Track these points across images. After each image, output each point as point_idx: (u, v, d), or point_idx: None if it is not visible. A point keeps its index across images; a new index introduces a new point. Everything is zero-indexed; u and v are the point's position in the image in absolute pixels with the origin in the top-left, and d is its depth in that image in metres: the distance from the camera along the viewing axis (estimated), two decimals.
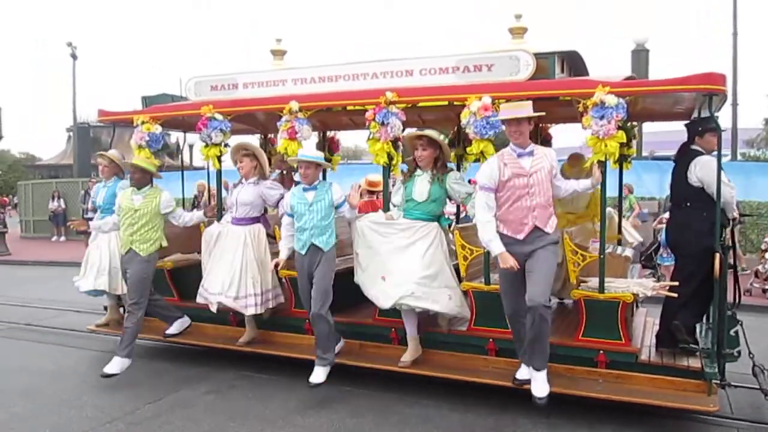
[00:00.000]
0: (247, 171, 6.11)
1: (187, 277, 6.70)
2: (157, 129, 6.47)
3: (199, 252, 6.75)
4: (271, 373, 6.05)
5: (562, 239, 5.07)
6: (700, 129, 5.13)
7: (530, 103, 4.63)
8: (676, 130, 6.14)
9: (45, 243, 20.79)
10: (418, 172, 5.36)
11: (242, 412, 5.15)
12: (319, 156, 5.53)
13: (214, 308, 5.96)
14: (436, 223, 5.34)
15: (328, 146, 7.82)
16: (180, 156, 8.83)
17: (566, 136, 8.60)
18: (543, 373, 4.64)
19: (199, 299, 6.06)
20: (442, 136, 5.55)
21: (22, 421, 5.01)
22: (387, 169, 5.58)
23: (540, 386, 4.60)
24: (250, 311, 5.86)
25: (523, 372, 4.83)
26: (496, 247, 4.54)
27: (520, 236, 4.57)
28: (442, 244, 5.30)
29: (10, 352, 7.21)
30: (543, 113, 4.87)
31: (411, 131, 5.47)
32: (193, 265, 6.69)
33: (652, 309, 6.22)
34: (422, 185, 5.32)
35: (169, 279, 6.71)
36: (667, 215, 9.71)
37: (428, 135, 5.35)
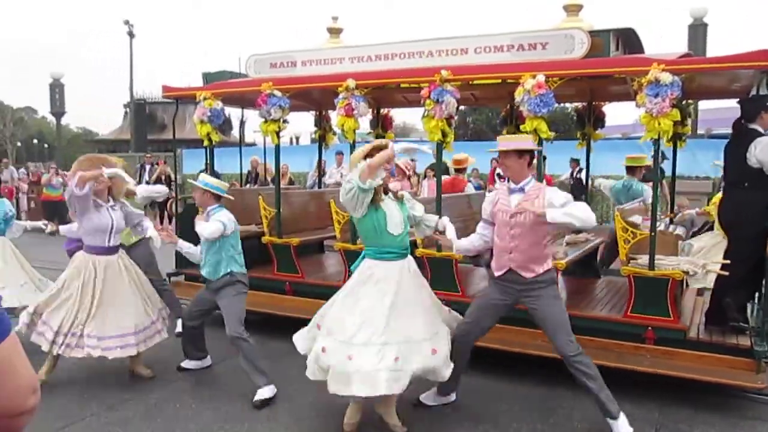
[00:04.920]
0: (103, 190, 5.32)
1: (246, 248, 7.00)
2: (218, 105, 6.73)
3: (257, 224, 7.05)
4: None
5: (614, 217, 5.13)
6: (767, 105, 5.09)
7: (525, 137, 4.53)
8: (734, 107, 6.08)
9: None
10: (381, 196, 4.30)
11: (298, 377, 5.40)
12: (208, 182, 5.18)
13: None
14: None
15: (382, 123, 7.98)
16: (240, 132, 9.12)
17: (616, 114, 8.53)
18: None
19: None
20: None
21: (96, 377, 5.39)
22: (440, 146, 5.71)
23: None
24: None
25: (431, 397, 4.78)
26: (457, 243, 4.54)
27: (497, 274, 4.36)
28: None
29: None
30: (539, 148, 4.76)
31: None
32: (251, 236, 7.01)
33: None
34: (394, 211, 4.33)
35: None
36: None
37: None
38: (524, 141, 4.38)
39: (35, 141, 56.16)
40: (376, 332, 4.03)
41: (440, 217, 4.74)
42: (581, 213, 4.07)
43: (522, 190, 4.25)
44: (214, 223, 4.97)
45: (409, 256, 4.37)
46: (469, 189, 8.43)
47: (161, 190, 7.10)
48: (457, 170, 8.67)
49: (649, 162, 6.88)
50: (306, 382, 5.24)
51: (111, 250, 5.27)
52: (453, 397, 4.83)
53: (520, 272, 4.25)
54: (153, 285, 6.74)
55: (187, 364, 5.58)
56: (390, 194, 4.33)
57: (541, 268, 4.24)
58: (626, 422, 4.16)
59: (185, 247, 5.24)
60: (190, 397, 5.00)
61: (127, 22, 25.78)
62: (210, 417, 4.64)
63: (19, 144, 50.03)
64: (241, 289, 5.17)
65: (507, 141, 4.37)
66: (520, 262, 4.23)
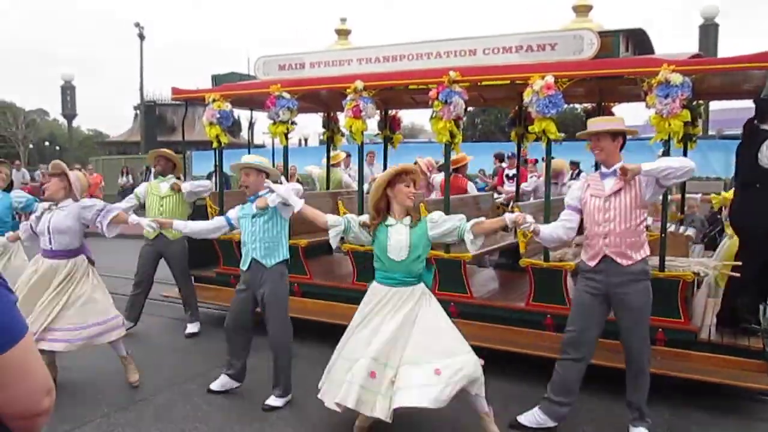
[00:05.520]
0: (54, 191, 5.13)
1: None
2: (228, 107, 6.75)
3: None
4: (332, 343, 6.27)
5: None
6: None
7: (618, 119, 4.38)
8: (744, 108, 6.03)
9: None
10: (390, 220, 4.16)
11: (309, 377, 5.40)
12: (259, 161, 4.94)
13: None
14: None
15: (390, 125, 7.98)
16: (249, 133, 9.16)
17: (626, 114, 8.48)
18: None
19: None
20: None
21: (106, 379, 5.41)
22: (448, 148, 5.69)
23: None
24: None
25: (532, 419, 4.45)
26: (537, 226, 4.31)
27: (591, 263, 4.21)
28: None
29: None
30: (634, 131, 4.68)
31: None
32: None
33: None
34: (400, 236, 4.10)
35: (236, 249, 7.03)
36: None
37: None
38: (617, 123, 4.30)
39: (47, 143, 56.57)
40: (353, 348, 4.14)
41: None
42: (674, 159, 4.14)
43: (615, 173, 4.15)
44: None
45: (419, 285, 4.14)
46: (471, 189, 8.37)
47: (205, 184, 6.99)
48: (455, 170, 8.60)
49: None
50: (313, 383, 5.26)
51: (54, 254, 5.03)
52: (551, 422, 4.41)
53: (616, 258, 4.10)
54: (178, 285, 6.94)
55: (217, 385, 5.19)
56: (406, 217, 4.16)
57: (638, 254, 4.10)
58: None
59: (181, 226, 5.25)
60: (201, 399, 5.01)
61: (137, 24, 25.91)
62: (220, 418, 4.65)
63: (31, 146, 50.41)
64: (288, 285, 4.96)
65: (601, 123, 4.29)
66: (615, 247, 4.10)
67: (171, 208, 6.72)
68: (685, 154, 6.63)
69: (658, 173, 4.00)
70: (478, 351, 5.44)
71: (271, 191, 4.73)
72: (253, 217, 4.80)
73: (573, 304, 4.46)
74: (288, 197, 4.49)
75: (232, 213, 5.04)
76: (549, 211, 5.46)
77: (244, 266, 4.88)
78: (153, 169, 7.22)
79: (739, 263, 5.01)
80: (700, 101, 6.46)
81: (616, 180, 4.13)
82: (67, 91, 33.46)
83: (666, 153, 4.97)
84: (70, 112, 34.09)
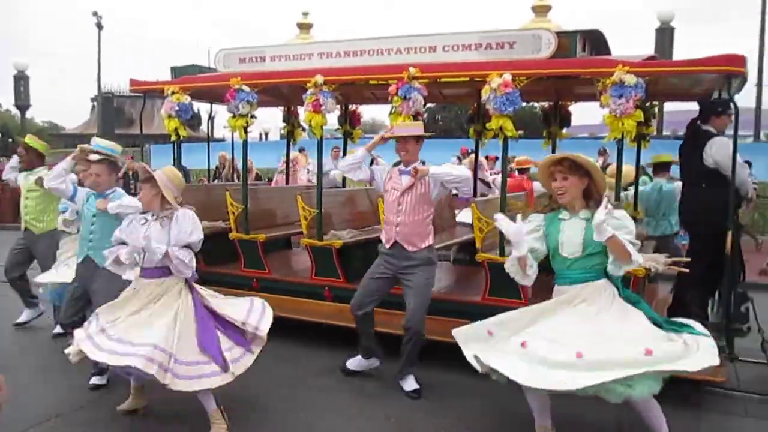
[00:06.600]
0: (149, 200, 4.31)
1: (213, 244, 6.96)
2: (187, 99, 6.65)
3: (224, 221, 6.98)
4: (296, 338, 6.26)
5: None
6: (719, 110, 5.24)
7: (421, 124, 5.03)
8: (698, 110, 6.19)
9: None
10: (563, 213, 3.88)
11: (274, 372, 5.39)
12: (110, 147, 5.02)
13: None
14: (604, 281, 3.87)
15: (350, 119, 7.97)
16: (209, 126, 9.05)
17: (584, 114, 8.64)
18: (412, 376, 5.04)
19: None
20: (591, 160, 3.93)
21: (63, 377, 5.29)
22: None
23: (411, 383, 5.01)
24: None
25: (355, 363, 5.35)
26: None
27: (386, 246, 4.97)
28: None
29: None
30: (431, 135, 5.21)
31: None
32: (218, 233, 6.95)
33: (664, 285, 6.35)
34: (573, 232, 3.81)
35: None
36: None
37: (571, 158, 3.78)
38: (420, 128, 4.95)
39: None
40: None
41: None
42: (455, 168, 5.02)
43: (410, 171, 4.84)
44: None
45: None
46: (537, 188, 8.24)
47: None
48: (521, 170, 9.54)
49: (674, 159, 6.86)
50: (276, 379, 5.25)
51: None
52: (377, 362, 5.32)
53: (404, 245, 4.84)
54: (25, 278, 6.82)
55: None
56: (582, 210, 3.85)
57: (423, 243, 4.87)
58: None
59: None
60: (173, 400, 4.90)
61: (95, 14, 25.32)
62: (189, 419, 4.57)
63: None
64: (121, 282, 4.52)
65: (407, 128, 4.97)
66: (404, 236, 4.84)
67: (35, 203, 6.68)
68: (638, 154, 6.80)
69: (441, 178, 4.76)
70: (434, 345, 5.50)
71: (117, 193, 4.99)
72: (94, 215, 4.93)
73: (367, 274, 5.11)
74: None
75: (81, 193, 5.11)
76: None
77: (79, 259, 5.01)
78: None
79: (689, 259, 5.15)
80: (655, 102, 6.60)
81: (410, 178, 4.81)
82: (21, 81, 32.47)
83: (620, 151, 5.09)
84: (23, 103, 33.09)
